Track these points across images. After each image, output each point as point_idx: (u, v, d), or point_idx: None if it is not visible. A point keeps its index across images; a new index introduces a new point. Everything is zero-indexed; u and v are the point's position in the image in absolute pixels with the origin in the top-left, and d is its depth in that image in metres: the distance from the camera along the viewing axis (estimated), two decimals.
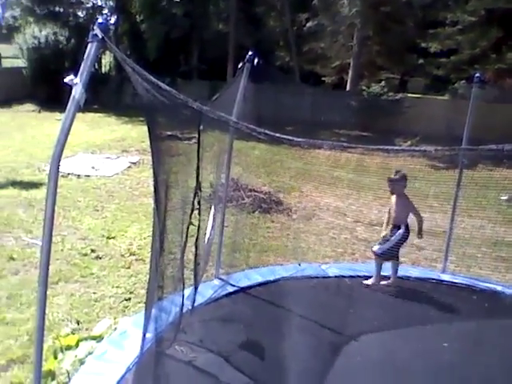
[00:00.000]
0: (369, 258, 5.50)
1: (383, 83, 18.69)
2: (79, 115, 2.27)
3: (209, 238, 4.56)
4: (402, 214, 4.89)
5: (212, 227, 4.63)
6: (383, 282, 5.05)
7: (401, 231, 4.88)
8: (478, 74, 5.29)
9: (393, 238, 4.90)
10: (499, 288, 5.15)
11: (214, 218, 4.68)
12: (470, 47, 19.92)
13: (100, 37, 2.16)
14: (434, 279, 5.39)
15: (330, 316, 4.37)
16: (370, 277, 5.12)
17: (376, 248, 5.05)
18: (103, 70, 21.64)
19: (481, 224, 6.72)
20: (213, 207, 4.73)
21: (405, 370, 3.77)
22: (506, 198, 8.91)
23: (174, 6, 20.24)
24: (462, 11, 19.54)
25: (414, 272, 5.50)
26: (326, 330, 4.20)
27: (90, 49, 2.20)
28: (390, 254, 4.94)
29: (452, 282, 5.33)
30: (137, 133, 13.49)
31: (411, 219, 4.95)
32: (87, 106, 2.69)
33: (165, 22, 19.45)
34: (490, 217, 6.96)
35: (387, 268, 5.11)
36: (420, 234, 4.98)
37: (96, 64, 20.19)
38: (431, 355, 3.94)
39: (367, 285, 5.05)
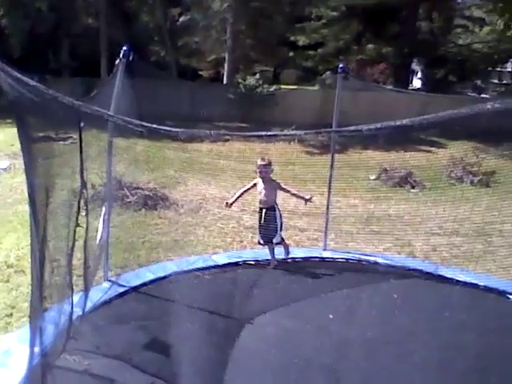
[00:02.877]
0: (256, 244, 5.75)
1: (258, 76, 19.29)
2: None
3: (100, 239, 4.41)
4: (270, 197, 5.24)
5: (103, 228, 4.48)
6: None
7: (272, 214, 5.26)
8: (341, 65, 5.75)
9: (264, 222, 5.29)
10: (373, 258, 5.69)
11: (104, 219, 4.53)
12: (334, 40, 21.47)
13: None
14: (316, 257, 5.79)
15: (223, 304, 4.48)
16: (260, 261, 5.45)
17: (259, 238, 5.46)
18: None
19: (354, 202, 7.34)
20: (104, 208, 4.58)
21: (299, 345, 4.01)
22: (373, 177, 9.83)
23: (38, 0, 18.77)
24: (326, 7, 21.00)
25: (299, 252, 5.85)
26: (221, 317, 4.32)
27: None
28: (269, 236, 5.30)
29: (333, 258, 5.78)
30: (5, 136, 12.37)
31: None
32: None
33: (28, 17, 18.01)
34: (362, 195, 7.62)
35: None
36: (305, 199, 5.27)
37: None
38: (320, 327, 4.26)
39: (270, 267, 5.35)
